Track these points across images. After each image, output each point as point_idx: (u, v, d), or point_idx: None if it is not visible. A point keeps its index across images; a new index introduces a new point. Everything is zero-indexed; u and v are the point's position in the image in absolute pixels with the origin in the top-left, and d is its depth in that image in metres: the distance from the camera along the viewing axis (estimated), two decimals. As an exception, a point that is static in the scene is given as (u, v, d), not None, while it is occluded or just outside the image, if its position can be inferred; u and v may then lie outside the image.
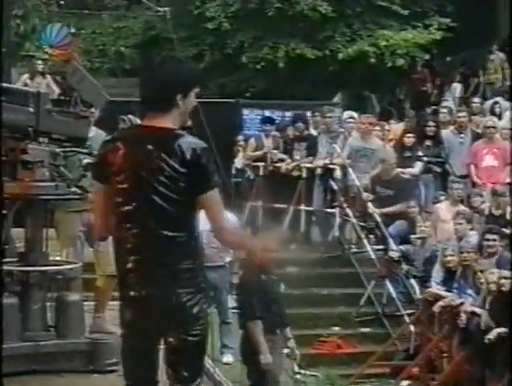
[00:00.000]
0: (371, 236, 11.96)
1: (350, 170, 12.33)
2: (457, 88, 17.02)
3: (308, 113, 14.02)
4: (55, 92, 10.63)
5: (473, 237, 10.31)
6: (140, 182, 3.80)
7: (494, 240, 9.74)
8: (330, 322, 11.20)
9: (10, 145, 5.82)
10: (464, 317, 9.34)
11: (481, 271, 9.49)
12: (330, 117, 13.27)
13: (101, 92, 6.11)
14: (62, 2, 19.17)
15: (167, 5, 16.32)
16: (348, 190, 12.52)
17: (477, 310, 9.25)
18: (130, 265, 3.84)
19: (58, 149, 5.84)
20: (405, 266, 11.05)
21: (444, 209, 11.43)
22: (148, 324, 3.86)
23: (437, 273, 10.17)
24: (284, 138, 13.53)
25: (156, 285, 3.81)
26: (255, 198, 13.28)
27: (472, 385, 9.19)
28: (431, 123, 12.89)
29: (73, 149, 5.93)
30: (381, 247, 11.62)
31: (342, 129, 13.14)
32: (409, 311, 10.74)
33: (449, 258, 9.97)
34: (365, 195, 11.93)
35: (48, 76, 13.83)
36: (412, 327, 10.41)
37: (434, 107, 15.64)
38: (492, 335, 8.85)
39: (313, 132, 13.45)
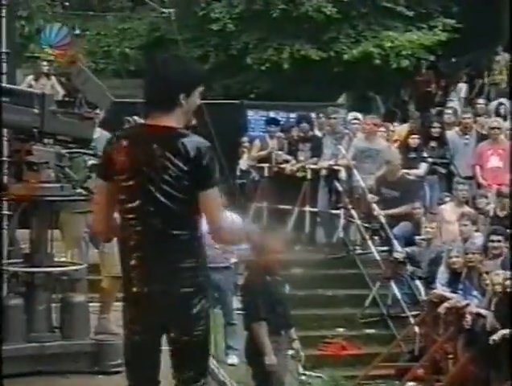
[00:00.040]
0: (376, 238, 11.95)
1: (355, 171, 12.33)
2: (463, 88, 17.01)
3: (313, 114, 14.01)
4: (59, 94, 10.68)
5: (478, 238, 10.30)
6: (143, 181, 3.82)
7: (499, 241, 9.73)
8: (335, 323, 11.19)
9: (15, 147, 5.84)
10: (469, 318, 9.32)
11: (486, 272, 9.48)
12: (335, 118, 13.26)
13: (106, 94, 6.11)
14: (67, 4, 19.22)
15: (171, 6, 16.30)
16: (352, 192, 12.51)
17: (483, 311, 9.23)
18: (133, 262, 3.86)
19: (63, 151, 5.85)
20: (410, 267, 11.04)
21: (449, 210, 11.41)
22: (149, 321, 3.88)
23: (442, 274, 10.16)
24: (289, 139, 13.53)
25: (157, 283, 3.83)
26: (260, 199, 13.27)
27: (477, 387, 9.18)
28: (435, 124, 12.87)
29: (78, 150, 5.94)
30: (385, 248, 11.60)
31: (347, 131, 13.13)
32: (414, 312, 10.72)
33: (454, 259, 9.96)
34: (369, 196, 11.93)
35: (53, 78, 13.86)
36: (417, 329, 10.39)
37: (439, 108, 15.63)
38: (497, 336, 8.84)
39: (318, 133, 13.45)
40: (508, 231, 10.03)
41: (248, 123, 15.96)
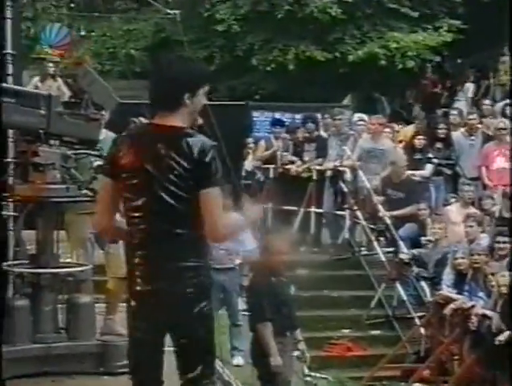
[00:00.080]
0: (381, 239, 11.93)
1: (360, 172, 12.32)
2: (470, 87, 16.97)
3: (318, 115, 14.01)
4: (65, 95, 10.69)
5: (484, 240, 10.29)
6: (148, 179, 3.83)
7: (505, 242, 9.72)
8: (340, 324, 11.18)
9: (21, 148, 5.85)
10: (475, 319, 9.31)
11: (492, 274, 9.46)
12: (340, 119, 13.26)
13: (112, 95, 6.13)
14: (72, 5, 19.23)
15: (176, 7, 16.32)
16: (358, 193, 12.50)
17: (488, 312, 9.22)
18: (137, 260, 3.88)
19: (69, 152, 5.86)
20: (415, 269, 11.02)
21: (455, 211, 11.40)
22: (152, 319, 3.88)
23: (448, 275, 10.14)
24: (294, 140, 13.53)
25: (160, 281, 3.84)
26: (265, 200, 13.27)
27: (483, 388, 9.17)
28: (441, 125, 12.86)
29: (84, 151, 5.95)
30: (391, 249, 11.58)
31: (352, 132, 13.13)
32: (419, 314, 10.70)
33: (460, 261, 9.95)
34: (375, 197, 11.92)
35: (59, 79, 13.86)
36: (423, 330, 10.37)
37: (444, 109, 15.61)
38: (503, 337, 8.83)
39: (323, 134, 13.45)
40: (514, 232, 10.04)
41: (253, 124, 15.95)
